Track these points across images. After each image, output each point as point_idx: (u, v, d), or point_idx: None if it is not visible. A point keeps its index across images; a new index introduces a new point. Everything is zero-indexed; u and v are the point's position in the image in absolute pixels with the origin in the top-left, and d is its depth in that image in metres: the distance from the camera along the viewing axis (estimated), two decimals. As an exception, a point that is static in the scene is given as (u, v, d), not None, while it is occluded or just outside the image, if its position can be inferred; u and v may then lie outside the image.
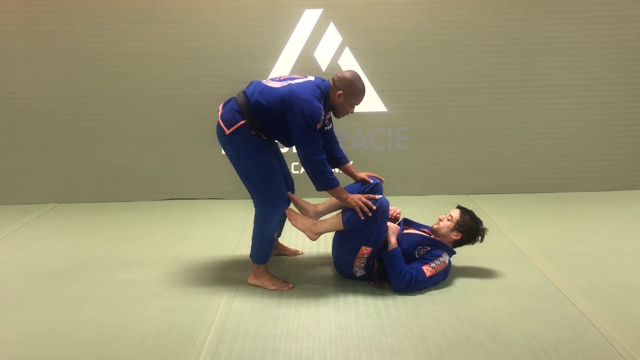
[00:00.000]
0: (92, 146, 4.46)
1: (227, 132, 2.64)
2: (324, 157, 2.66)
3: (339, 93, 2.70)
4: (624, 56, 4.36)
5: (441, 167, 4.54)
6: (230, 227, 3.83)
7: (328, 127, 2.88)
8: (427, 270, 2.72)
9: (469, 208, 3.01)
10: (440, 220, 2.94)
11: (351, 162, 3.06)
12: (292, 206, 3.05)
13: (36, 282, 2.96)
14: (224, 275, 3.00)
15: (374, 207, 2.67)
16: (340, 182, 2.74)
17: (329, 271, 3.05)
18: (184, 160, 4.50)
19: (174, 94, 4.38)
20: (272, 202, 2.76)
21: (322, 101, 2.66)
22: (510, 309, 2.55)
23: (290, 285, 2.85)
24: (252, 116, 2.63)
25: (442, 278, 2.81)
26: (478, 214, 3.00)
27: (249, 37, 4.30)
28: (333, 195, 2.77)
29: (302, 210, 3.00)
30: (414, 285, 2.70)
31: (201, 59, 4.32)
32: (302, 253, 3.31)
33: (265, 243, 2.82)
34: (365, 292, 2.76)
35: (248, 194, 2.88)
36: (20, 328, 2.46)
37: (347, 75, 2.71)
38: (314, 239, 2.92)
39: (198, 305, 2.64)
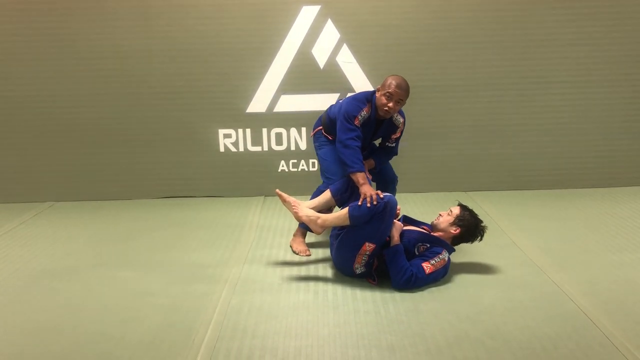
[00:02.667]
0: (89, 144, 4.44)
1: (312, 133, 3.46)
2: (355, 145, 3.02)
3: (377, 89, 3.10)
4: (622, 53, 4.36)
5: (440, 164, 4.54)
6: (229, 225, 3.82)
7: (390, 145, 3.32)
8: (427, 267, 2.72)
9: (469, 206, 3.01)
10: (440, 215, 2.95)
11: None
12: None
13: (34, 280, 2.95)
14: (223, 273, 2.99)
15: (381, 195, 2.72)
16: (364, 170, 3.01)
17: (327, 269, 3.05)
18: (183, 158, 4.49)
19: (172, 92, 4.37)
20: (323, 176, 3.36)
21: (370, 105, 3.10)
22: (509, 306, 2.55)
23: (309, 253, 3.23)
24: (325, 125, 3.32)
25: (442, 275, 2.81)
26: (477, 211, 3.00)
27: (246, 34, 4.28)
28: (353, 178, 2.98)
29: (287, 205, 3.00)
30: (414, 282, 2.69)
31: (199, 56, 4.31)
32: (309, 254, 3.26)
33: None
34: (364, 289, 2.76)
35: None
36: (18, 326, 2.45)
37: (391, 75, 3.08)
38: (318, 232, 2.92)
39: (196, 303, 2.63)
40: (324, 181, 3.34)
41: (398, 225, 2.86)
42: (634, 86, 4.42)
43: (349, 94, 3.34)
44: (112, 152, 4.46)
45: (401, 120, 3.25)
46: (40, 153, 4.45)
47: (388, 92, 3.00)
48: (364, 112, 3.07)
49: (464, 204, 2.99)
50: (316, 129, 3.41)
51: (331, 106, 3.34)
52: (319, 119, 3.43)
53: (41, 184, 4.49)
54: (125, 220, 3.98)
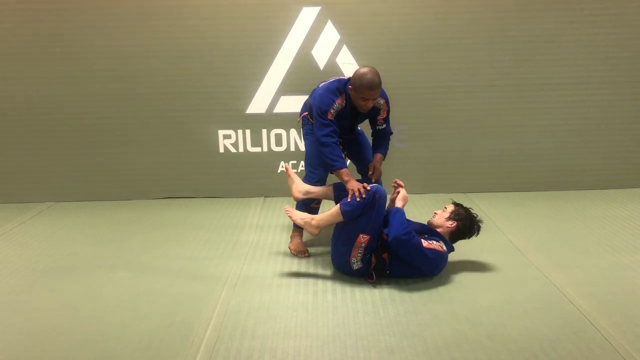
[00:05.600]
0: (89, 145, 4.44)
1: (299, 118, 3.40)
2: (331, 141, 2.98)
3: (350, 87, 2.99)
4: (622, 55, 4.36)
5: (439, 166, 4.54)
6: (228, 226, 3.82)
7: (380, 127, 3.23)
8: (425, 243, 2.76)
9: (467, 206, 3.04)
10: (435, 213, 3.02)
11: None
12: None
13: (33, 280, 2.95)
14: (222, 273, 3.00)
15: (368, 187, 2.77)
16: (346, 166, 2.99)
17: (326, 269, 3.05)
18: (182, 159, 4.49)
19: (172, 92, 4.37)
20: (307, 169, 3.34)
21: (343, 96, 3.03)
22: (508, 307, 2.55)
23: (308, 254, 3.23)
24: (310, 111, 3.22)
25: (437, 262, 2.81)
26: (476, 212, 3.01)
27: (246, 35, 4.29)
28: (337, 176, 2.98)
29: (290, 181, 3.15)
30: (412, 241, 2.71)
31: (199, 57, 4.31)
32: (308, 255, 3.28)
33: (297, 205, 3.25)
34: (363, 290, 2.76)
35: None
36: (18, 327, 2.45)
37: (360, 70, 2.95)
38: (315, 234, 2.94)
39: (196, 303, 2.63)
40: (307, 173, 3.30)
41: (403, 194, 2.98)
42: (633, 88, 4.43)
43: (323, 83, 3.16)
44: (111, 152, 4.46)
45: (382, 101, 3.13)
46: (40, 153, 4.45)
47: (363, 96, 2.93)
48: (337, 105, 3.00)
49: (457, 202, 3.05)
50: (302, 114, 3.36)
51: (314, 90, 3.25)
52: (304, 105, 3.35)
53: (41, 184, 4.50)
54: (125, 221, 3.98)
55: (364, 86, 2.89)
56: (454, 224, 2.92)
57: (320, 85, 3.16)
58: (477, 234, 2.99)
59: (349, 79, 3.03)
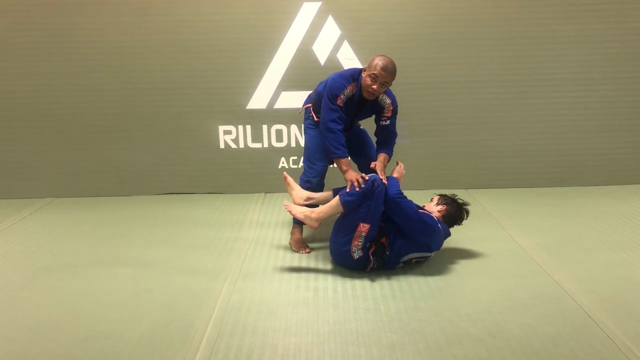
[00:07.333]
0: (89, 140, 4.43)
1: (300, 110, 3.41)
2: (336, 128, 3.00)
3: (364, 68, 3.02)
4: (623, 51, 4.34)
5: (440, 162, 4.53)
6: (229, 221, 3.81)
7: (384, 123, 3.16)
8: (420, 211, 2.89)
9: (467, 202, 3.09)
10: (424, 205, 3.09)
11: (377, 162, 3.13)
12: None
13: (33, 277, 2.94)
14: (222, 269, 2.99)
15: (366, 177, 2.83)
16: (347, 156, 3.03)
17: (327, 266, 3.04)
18: (183, 154, 4.48)
19: (172, 88, 4.36)
20: (305, 164, 3.31)
21: (355, 84, 3.03)
22: (509, 304, 2.54)
23: (308, 250, 3.23)
24: (314, 103, 3.25)
25: (432, 230, 2.85)
26: (476, 208, 3.03)
27: (247, 31, 4.27)
28: (337, 164, 3.03)
29: (290, 189, 3.16)
30: (405, 199, 2.85)
31: (199, 53, 4.30)
32: (309, 251, 3.28)
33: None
34: (364, 287, 2.76)
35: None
36: (17, 323, 2.44)
37: (380, 55, 3.00)
38: (315, 227, 2.96)
39: (196, 300, 2.63)
40: (305, 169, 3.29)
41: (400, 169, 3.15)
42: (635, 84, 4.41)
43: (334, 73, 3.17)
44: (111, 148, 4.45)
45: (388, 101, 3.12)
46: (40, 149, 4.44)
47: (373, 73, 2.91)
48: (348, 91, 3.01)
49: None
50: (306, 105, 3.36)
51: (320, 82, 3.24)
52: (309, 96, 3.37)
53: (41, 179, 4.49)
54: (125, 217, 3.97)
55: (377, 64, 2.91)
56: (444, 208, 3.05)
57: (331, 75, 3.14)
58: (467, 216, 3.11)
59: (364, 68, 3.03)
